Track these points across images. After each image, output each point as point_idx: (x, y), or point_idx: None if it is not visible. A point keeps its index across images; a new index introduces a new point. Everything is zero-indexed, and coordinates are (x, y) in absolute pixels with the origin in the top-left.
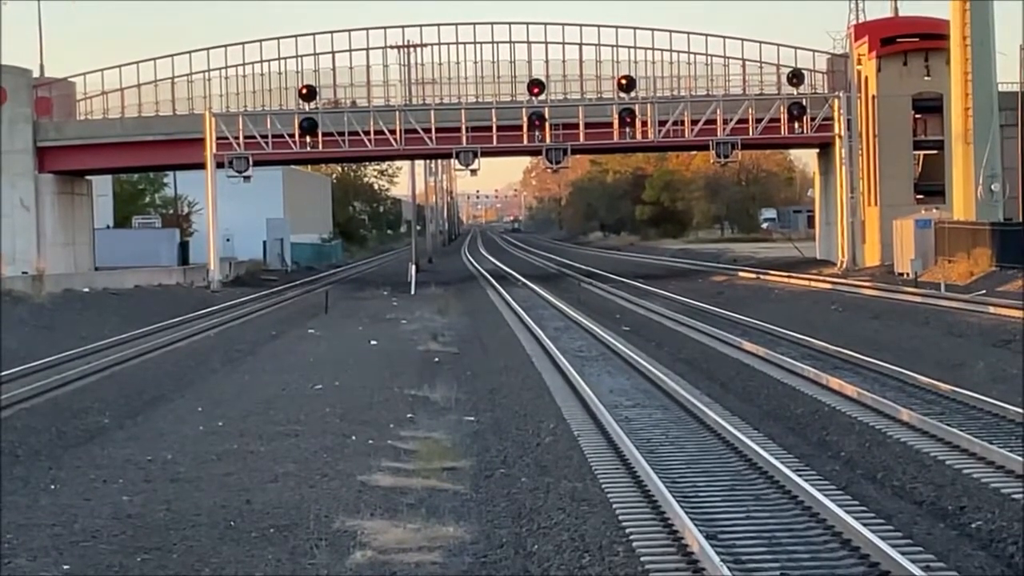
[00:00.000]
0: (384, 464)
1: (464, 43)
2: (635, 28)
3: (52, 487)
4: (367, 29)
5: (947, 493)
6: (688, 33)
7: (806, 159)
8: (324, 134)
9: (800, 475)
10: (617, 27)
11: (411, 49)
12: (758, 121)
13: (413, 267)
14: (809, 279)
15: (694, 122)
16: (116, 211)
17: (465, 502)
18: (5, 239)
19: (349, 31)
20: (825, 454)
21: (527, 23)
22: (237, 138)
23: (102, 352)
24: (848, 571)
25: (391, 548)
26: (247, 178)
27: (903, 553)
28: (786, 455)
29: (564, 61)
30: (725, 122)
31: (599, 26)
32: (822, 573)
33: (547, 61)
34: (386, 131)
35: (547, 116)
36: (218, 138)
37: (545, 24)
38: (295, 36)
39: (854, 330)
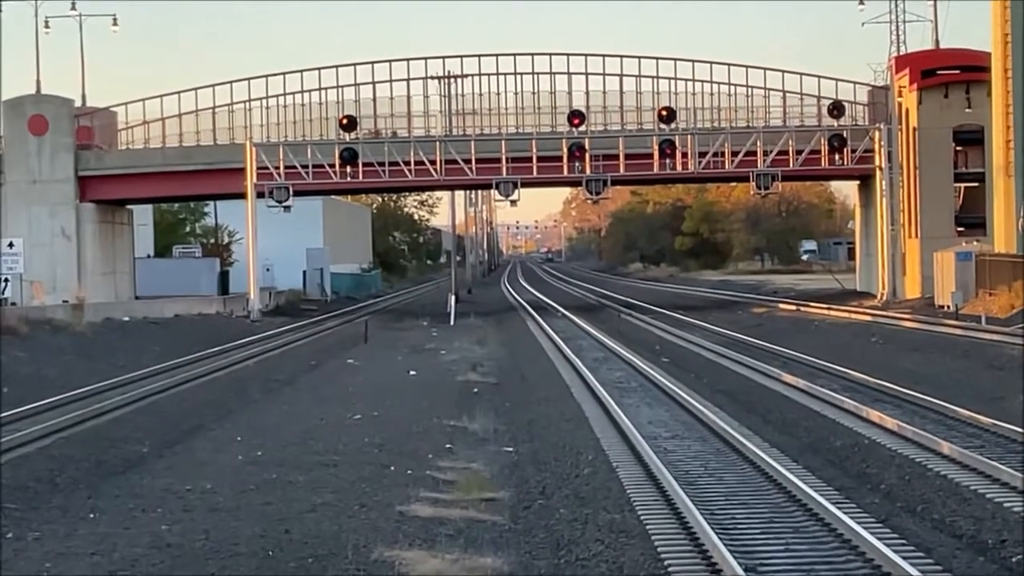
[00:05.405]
0: (423, 494)
1: (504, 74)
2: (675, 59)
3: (91, 516)
4: (408, 60)
5: (987, 527)
6: (729, 64)
7: (846, 191)
8: (364, 164)
9: (839, 507)
10: (657, 58)
11: (452, 80)
12: (798, 153)
13: (452, 297)
14: (849, 311)
15: (734, 153)
16: (157, 240)
17: (503, 533)
18: (47, 268)
19: (390, 61)
20: (865, 487)
21: (567, 54)
22: (277, 168)
23: (142, 381)
24: None
25: None
26: (287, 208)
27: None
28: (825, 487)
29: (604, 92)
30: (765, 154)
31: (639, 57)
32: None
33: (587, 92)
34: (426, 161)
35: (587, 147)
36: (258, 168)
37: (585, 55)
38: (336, 66)
39: (894, 362)
